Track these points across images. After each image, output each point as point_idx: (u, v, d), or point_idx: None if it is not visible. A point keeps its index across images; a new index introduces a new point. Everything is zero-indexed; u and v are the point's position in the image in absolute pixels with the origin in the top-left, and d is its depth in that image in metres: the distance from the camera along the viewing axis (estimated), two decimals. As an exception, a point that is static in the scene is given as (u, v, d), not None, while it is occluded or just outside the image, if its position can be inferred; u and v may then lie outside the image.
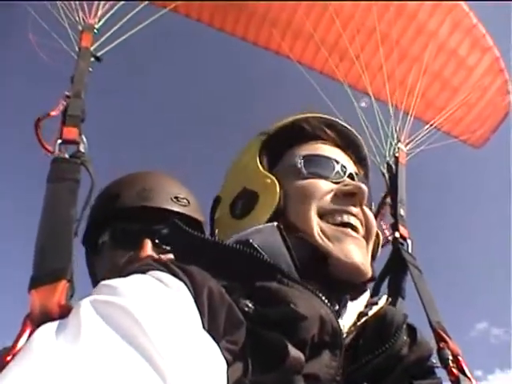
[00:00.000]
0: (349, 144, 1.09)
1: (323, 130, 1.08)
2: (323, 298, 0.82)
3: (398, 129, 2.27)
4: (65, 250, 1.26)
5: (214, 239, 0.90)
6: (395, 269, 1.71)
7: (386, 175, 2.06)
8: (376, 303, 0.96)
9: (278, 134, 1.09)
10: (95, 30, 2.06)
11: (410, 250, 1.80)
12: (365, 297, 0.99)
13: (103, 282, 0.68)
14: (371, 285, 1.12)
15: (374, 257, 1.05)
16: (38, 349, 0.51)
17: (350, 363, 0.83)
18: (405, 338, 0.87)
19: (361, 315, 0.93)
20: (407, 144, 2.23)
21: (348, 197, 0.97)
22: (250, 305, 0.75)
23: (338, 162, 1.02)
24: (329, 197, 0.96)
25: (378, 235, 1.06)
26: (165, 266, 0.75)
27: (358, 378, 0.81)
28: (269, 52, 2.96)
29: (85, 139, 1.71)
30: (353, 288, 0.94)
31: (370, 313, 0.92)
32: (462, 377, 1.11)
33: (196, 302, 0.69)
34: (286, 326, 0.74)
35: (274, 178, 1.01)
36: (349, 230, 0.94)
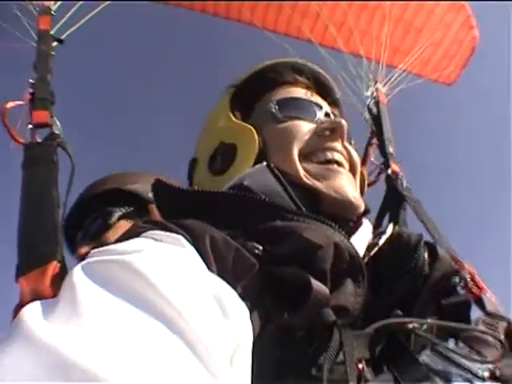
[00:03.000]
0: (320, 86, 1.07)
1: (291, 75, 1.05)
2: (334, 225, 0.77)
3: (373, 69, 2.28)
4: (51, 231, 1.19)
5: (206, 189, 0.84)
6: (393, 204, 1.72)
7: (369, 117, 2.07)
8: (384, 232, 0.92)
9: (245, 85, 1.06)
10: (52, 12, 1.97)
11: (403, 185, 1.81)
12: (369, 228, 0.95)
13: (94, 250, 0.60)
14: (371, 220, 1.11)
15: (361, 193, 1.03)
16: (25, 337, 0.39)
17: (372, 297, 0.78)
18: (425, 255, 0.83)
19: (370, 247, 0.89)
20: (385, 84, 2.25)
21: (329, 134, 0.94)
22: (259, 246, 0.70)
23: (311, 102, 1.00)
24: (309, 136, 0.93)
25: (362, 173, 1.03)
26: (158, 225, 0.68)
27: (384, 309, 0.76)
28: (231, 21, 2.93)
29: (58, 122, 1.65)
30: (348, 223, 0.90)
31: (381, 242, 0.88)
32: (483, 295, 1.10)
33: (199, 253, 0.62)
34: (302, 259, 0.68)
35: (249, 126, 0.97)
36: (335, 166, 0.91)
